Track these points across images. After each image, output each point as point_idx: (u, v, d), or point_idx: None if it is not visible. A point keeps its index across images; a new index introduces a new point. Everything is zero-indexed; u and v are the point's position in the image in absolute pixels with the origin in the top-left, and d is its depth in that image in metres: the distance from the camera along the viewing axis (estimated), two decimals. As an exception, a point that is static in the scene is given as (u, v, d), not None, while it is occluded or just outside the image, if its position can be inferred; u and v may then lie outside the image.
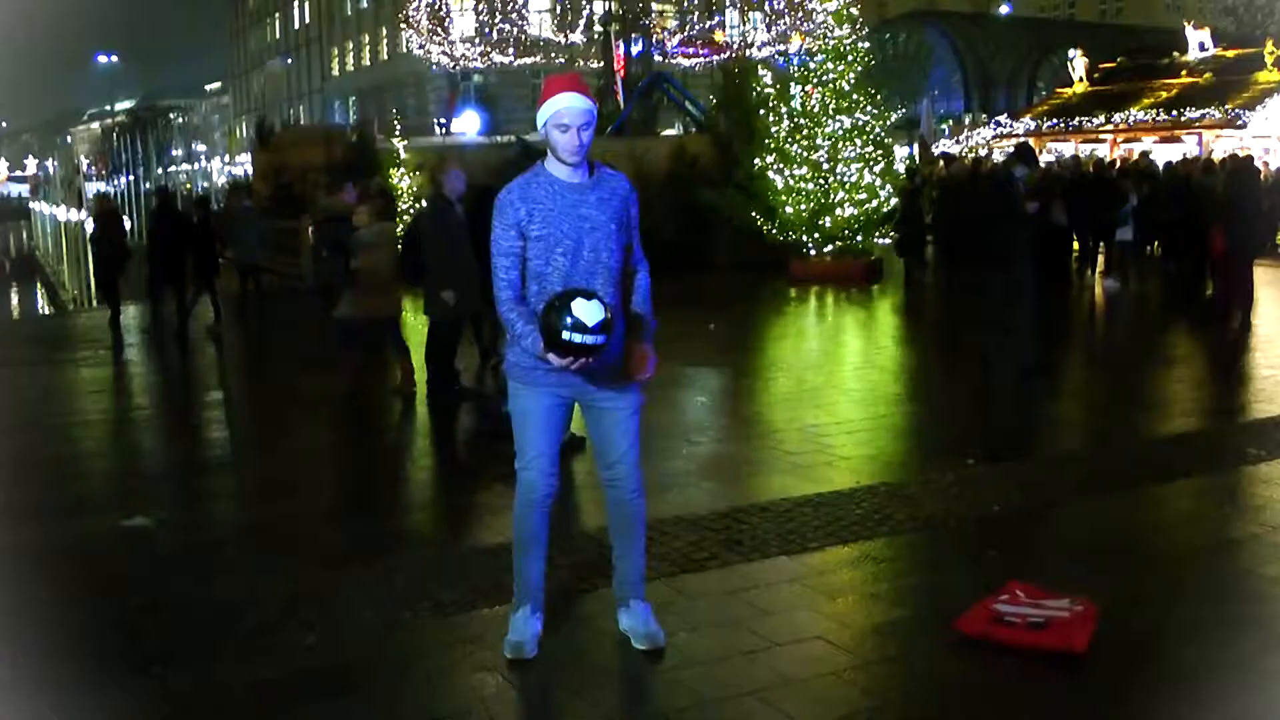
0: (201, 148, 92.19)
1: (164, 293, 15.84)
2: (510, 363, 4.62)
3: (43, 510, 7.25)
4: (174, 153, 59.68)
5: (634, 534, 4.74)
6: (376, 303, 10.31)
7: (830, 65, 18.93)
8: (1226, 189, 14.67)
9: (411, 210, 19.49)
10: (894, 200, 18.88)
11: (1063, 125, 34.43)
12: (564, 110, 4.36)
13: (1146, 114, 33.00)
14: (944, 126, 43.19)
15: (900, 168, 22.07)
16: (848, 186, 18.79)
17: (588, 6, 31.80)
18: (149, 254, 15.88)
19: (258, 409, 11.26)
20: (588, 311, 4.15)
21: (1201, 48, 36.05)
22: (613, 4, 31.24)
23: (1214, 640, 4.78)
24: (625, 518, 4.72)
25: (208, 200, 19.79)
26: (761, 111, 20.36)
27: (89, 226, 17.08)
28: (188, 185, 49.68)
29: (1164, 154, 22.22)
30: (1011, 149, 11.88)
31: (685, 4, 33.77)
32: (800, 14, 32.22)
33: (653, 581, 5.48)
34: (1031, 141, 33.90)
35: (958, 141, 37.80)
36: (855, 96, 19.03)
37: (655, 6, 32.01)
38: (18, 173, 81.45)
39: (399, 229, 12.22)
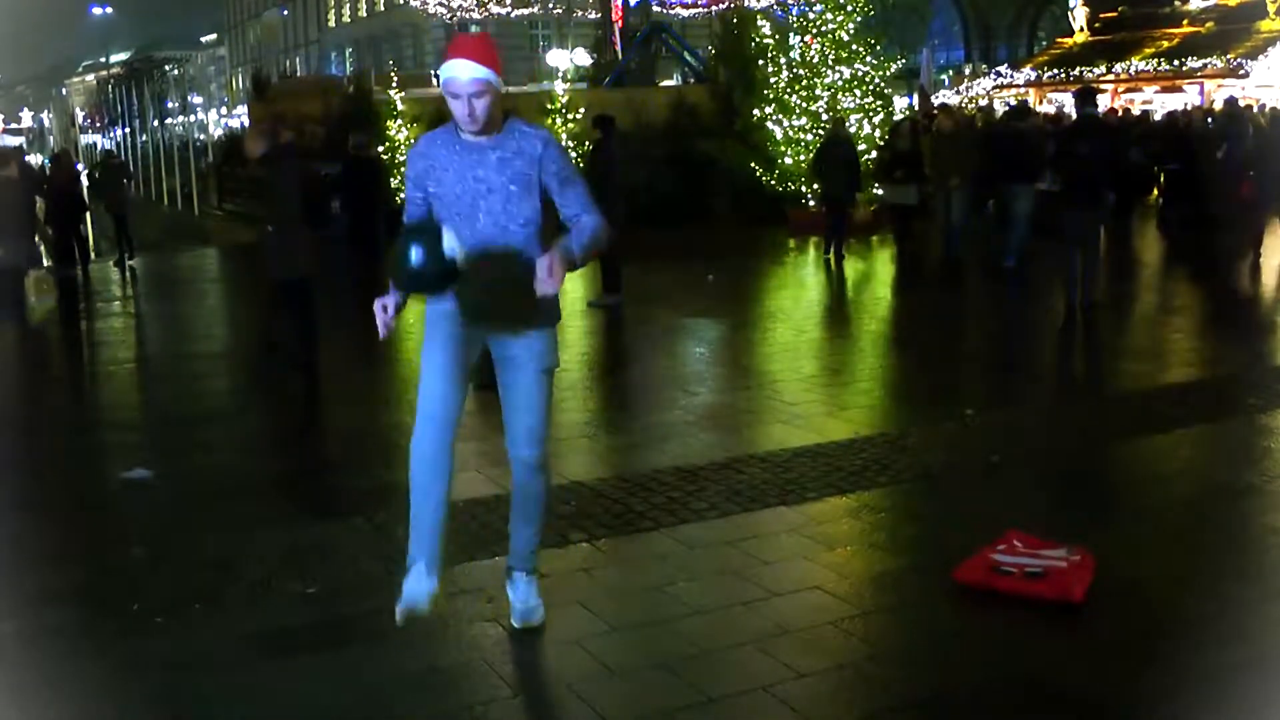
0: (198, 99, 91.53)
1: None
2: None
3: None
4: (170, 105, 59.19)
5: (531, 513, 4.50)
6: None
7: (830, 15, 18.80)
8: (1256, 139, 15.01)
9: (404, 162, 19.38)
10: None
11: (1063, 75, 34.17)
12: (450, 80, 4.03)
13: (1148, 63, 32.77)
14: (944, 77, 42.92)
15: (900, 118, 21.93)
16: (847, 137, 18.68)
17: (585, -45, 31.43)
18: None
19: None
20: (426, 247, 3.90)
21: (1203, -4, 35.71)
22: (610, -47, 30.92)
23: (1212, 589, 4.79)
24: (523, 497, 4.48)
25: (60, 157, 20.40)
26: (760, 62, 20.25)
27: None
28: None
29: (1166, 104, 22.09)
30: (1077, 92, 11.95)
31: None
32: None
33: (652, 532, 5.51)
34: (1031, 93, 33.80)
35: (958, 92, 37.56)
36: (855, 47, 18.94)
37: (653, -45, 31.60)
38: (14, 125, 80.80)
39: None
